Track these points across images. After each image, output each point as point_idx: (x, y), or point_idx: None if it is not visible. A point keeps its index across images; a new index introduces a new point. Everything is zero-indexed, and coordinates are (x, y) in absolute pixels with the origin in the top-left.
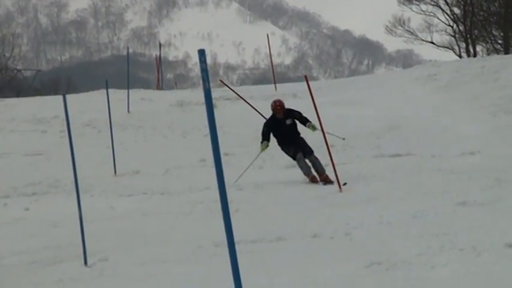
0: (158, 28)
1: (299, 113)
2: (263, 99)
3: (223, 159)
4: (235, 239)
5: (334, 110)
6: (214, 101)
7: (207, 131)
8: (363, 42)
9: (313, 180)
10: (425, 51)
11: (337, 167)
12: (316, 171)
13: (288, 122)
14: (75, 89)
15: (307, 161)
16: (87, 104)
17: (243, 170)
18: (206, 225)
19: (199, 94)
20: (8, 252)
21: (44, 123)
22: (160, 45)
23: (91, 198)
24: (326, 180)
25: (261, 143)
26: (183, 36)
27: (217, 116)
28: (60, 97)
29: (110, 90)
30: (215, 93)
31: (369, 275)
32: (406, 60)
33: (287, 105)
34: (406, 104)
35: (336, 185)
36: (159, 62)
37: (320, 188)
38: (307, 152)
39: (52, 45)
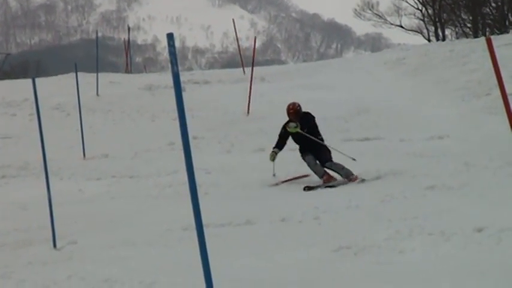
0: (127, 12)
1: (313, 120)
2: (231, 82)
3: (192, 142)
4: (204, 222)
5: (303, 93)
6: (182, 85)
7: (176, 114)
8: (331, 26)
9: (328, 179)
10: (394, 35)
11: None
12: (346, 177)
13: (305, 130)
14: (45, 73)
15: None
16: (56, 88)
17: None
18: (175, 209)
19: (167, 78)
20: None
21: (13, 107)
22: (129, 28)
23: (60, 182)
24: (355, 179)
25: (273, 148)
26: (152, 20)
27: (186, 100)
28: (30, 80)
29: (79, 73)
30: (183, 76)
31: (337, 259)
32: (375, 44)
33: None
34: (375, 88)
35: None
36: (128, 46)
37: (288, 172)
38: (323, 160)
39: (21, 28)
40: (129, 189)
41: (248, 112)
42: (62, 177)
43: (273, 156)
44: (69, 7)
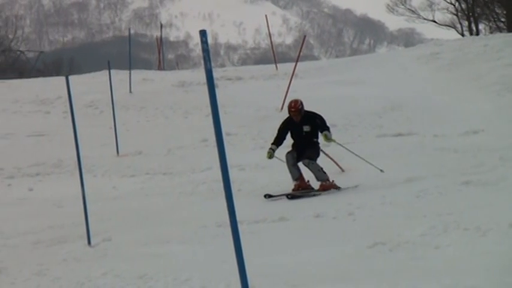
0: (159, 9)
1: (320, 118)
2: (264, 78)
3: (225, 139)
4: (238, 219)
5: (336, 89)
6: (215, 81)
7: (209, 111)
8: (364, 21)
9: (299, 187)
10: (427, 30)
11: (340, 147)
12: (319, 180)
13: (306, 129)
14: (78, 70)
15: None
16: (89, 85)
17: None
18: (209, 206)
19: (200, 74)
20: (12, 232)
21: (47, 104)
22: (161, 25)
23: (94, 179)
24: (323, 188)
25: (271, 144)
26: (184, 17)
27: (219, 96)
28: (63, 78)
29: (112, 71)
30: (216, 73)
31: (372, 255)
32: (408, 39)
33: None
34: (409, 83)
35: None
36: (161, 43)
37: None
38: (304, 156)
39: (54, 26)
40: (163, 186)
41: (282, 108)
42: (95, 175)
43: (270, 154)
44: (102, 4)
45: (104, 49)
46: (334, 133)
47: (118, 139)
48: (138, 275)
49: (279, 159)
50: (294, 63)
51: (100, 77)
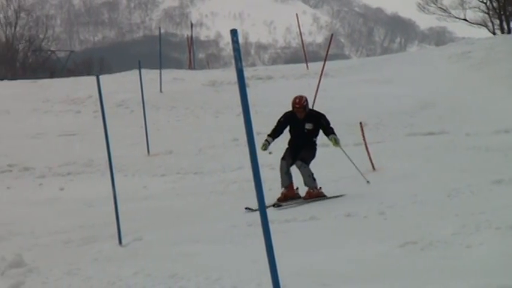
0: (190, 8)
1: (325, 119)
2: (295, 78)
3: (256, 138)
4: (269, 218)
5: (367, 88)
6: (246, 81)
7: (240, 110)
8: (395, 20)
9: (286, 196)
10: (459, 29)
11: (371, 146)
12: (305, 184)
13: (308, 127)
14: (108, 70)
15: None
16: (120, 85)
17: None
18: (240, 205)
19: (231, 73)
20: (43, 231)
21: (77, 104)
22: (192, 25)
23: (125, 178)
24: (309, 196)
25: (268, 135)
26: (215, 16)
27: (250, 95)
28: (94, 78)
29: (142, 70)
30: (247, 72)
31: (403, 254)
32: (439, 37)
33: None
34: (440, 82)
35: (369, 163)
36: (191, 42)
37: (353, 168)
38: (299, 157)
39: (85, 26)
40: (193, 186)
41: (312, 107)
42: (126, 174)
43: (265, 146)
44: (132, 4)
45: (134, 48)
46: (367, 132)
47: (149, 138)
48: (169, 275)
49: (270, 153)
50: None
51: (130, 77)
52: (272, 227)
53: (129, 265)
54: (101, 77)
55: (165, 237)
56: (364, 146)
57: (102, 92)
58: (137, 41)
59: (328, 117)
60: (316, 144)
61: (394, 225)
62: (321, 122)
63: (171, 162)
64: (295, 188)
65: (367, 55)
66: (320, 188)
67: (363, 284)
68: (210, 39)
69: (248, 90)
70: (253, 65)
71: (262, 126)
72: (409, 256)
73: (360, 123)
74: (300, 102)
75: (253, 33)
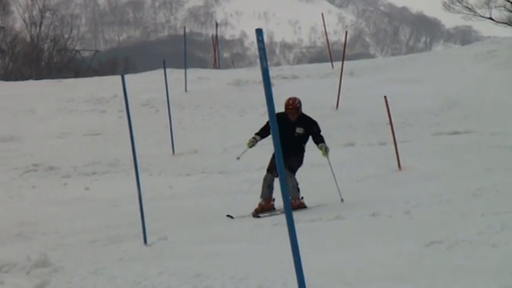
0: (215, 7)
1: (317, 126)
2: (320, 77)
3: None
4: (294, 217)
5: (392, 87)
6: (271, 80)
7: (265, 109)
8: (420, 19)
9: (262, 208)
10: (484, 28)
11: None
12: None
13: (299, 131)
14: (133, 69)
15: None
16: (145, 84)
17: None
18: None
19: (256, 73)
20: (68, 231)
21: (102, 103)
22: (216, 24)
23: (150, 178)
24: (296, 207)
25: (255, 134)
26: (240, 15)
27: (275, 95)
28: (119, 77)
29: (167, 69)
30: (272, 71)
31: (429, 254)
32: (464, 36)
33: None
34: (465, 81)
35: (395, 164)
36: (216, 41)
37: (378, 166)
38: (286, 165)
39: (110, 25)
40: (218, 185)
41: (337, 107)
42: (151, 173)
43: (253, 143)
44: (157, 3)
45: (159, 48)
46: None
47: (174, 138)
48: (194, 274)
49: (242, 154)
50: (350, 62)
51: (155, 76)
52: (297, 227)
53: (154, 264)
54: (125, 76)
55: (190, 236)
56: (388, 145)
57: (127, 91)
58: (162, 40)
59: (354, 116)
60: (304, 151)
61: (419, 224)
62: (313, 129)
63: (196, 161)
64: (272, 200)
65: (393, 54)
66: (302, 197)
67: (388, 284)
68: (235, 38)
69: (273, 90)
70: (278, 64)
71: None
72: (435, 256)
73: (390, 121)
74: (293, 104)
75: (278, 33)
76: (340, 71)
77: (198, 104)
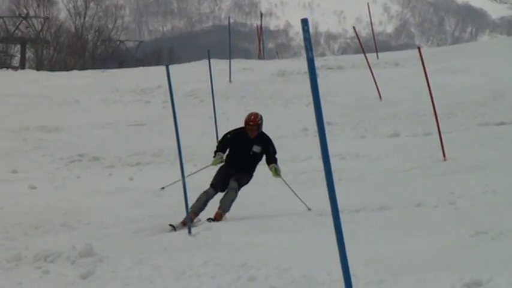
0: None
1: (273, 146)
2: (365, 67)
3: (326, 128)
4: (339, 208)
5: (437, 78)
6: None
7: (309, 100)
8: (466, 10)
9: (184, 223)
10: None
11: (442, 136)
12: (222, 205)
13: (256, 149)
14: (178, 60)
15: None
16: (189, 74)
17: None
18: (309, 195)
19: (300, 63)
20: (112, 221)
21: (147, 94)
22: (261, 14)
23: (194, 168)
24: (216, 218)
25: (215, 153)
26: (284, 6)
27: (319, 85)
28: (163, 67)
29: (211, 60)
30: (317, 62)
31: (474, 244)
32: (510, 27)
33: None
34: (511, 71)
35: (440, 154)
36: (261, 32)
37: (423, 157)
38: (234, 179)
39: (154, 16)
40: (263, 175)
41: (381, 97)
42: (196, 164)
43: (220, 160)
44: None
45: (204, 38)
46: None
47: (218, 128)
48: (239, 264)
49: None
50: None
51: (200, 67)
52: (342, 217)
53: (198, 255)
54: (170, 67)
55: (234, 226)
56: (433, 135)
57: (172, 82)
58: (206, 30)
59: (398, 106)
60: (254, 170)
61: (464, 215)
62: (269, 149)
63: None
64: (196, 219)
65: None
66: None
67: (433, 274)
68: (280, 28)
69: (318, 80)
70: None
71: (333, 116)
72: (480, 246)
73: (434, 112)
74: (254, 120)
75: (323, 23)
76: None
77: (243, 95)
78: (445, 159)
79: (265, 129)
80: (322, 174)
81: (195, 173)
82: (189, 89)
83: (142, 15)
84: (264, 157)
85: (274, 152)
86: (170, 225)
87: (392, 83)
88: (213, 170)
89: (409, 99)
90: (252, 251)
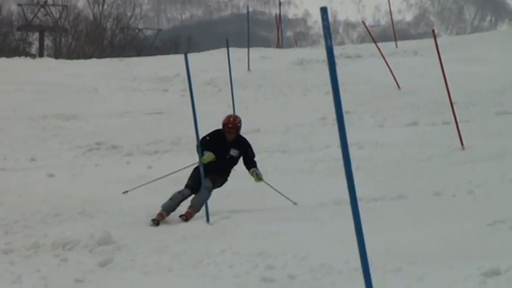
0: None
1: (252, 150)
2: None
3: (345, 117)
4: (357, 196)
5: (457, 67)
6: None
7: (328, 89)
8: None
9: (158, 217)
10: None
11: (459, 125)
12: (193, 204)
13: (233, 153)
14: (196, 48)
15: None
16: (208, 63)
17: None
18: (327, 184)
19: (319, 52)
20: (131, 209)
21: (165, 82)
22: (280, 3)
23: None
24: (187, 216)
25: (202, 153)
26: None
27: (338, 74)
28: (181, 56)
29: (230, 48)
30: (335, 51)
31: (491, 233)
32: None
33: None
34: None
35: (458, 142)
36: (279, 20)
37: (441, 146)
38: (210, 178)
39: (172, 4)
40: (281, 164)
41: (399, 86)
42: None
43: (212, 157)
44: None
45: (222, 27)
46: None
47: None
48: (256, 252)
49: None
50: (414, 41)
51: (218, 55)
52: (360, 205)
53: (216, 243)
54: (188, 55)
55: (252, 215)
56: (452, 124)
57: (190, 70)
58: (225, 19)
59: (417, 95)
60: (229, 175)
61: (482, 204)
62: (248, 152)
63: (259, 140)
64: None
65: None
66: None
67: (451, 263)
68: (298, 17)
69: (337, 69)
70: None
71: (351, 105)
72: (498, 235)
73: (450, 100)
74: (234, 122)
75: (342, 12)
76: (406, 50)
77: (261, 83)
78: (463, 148)
79: (283, 118)
80: (341, 163)
81: (187, 167)
82: (208, 78)
83: (161, 3)
84: (241, 160)
85: (253, 155)
86: (153, 220)
87: (411, 71)
88: None
89: (428, 88)
90: (270, 240)
